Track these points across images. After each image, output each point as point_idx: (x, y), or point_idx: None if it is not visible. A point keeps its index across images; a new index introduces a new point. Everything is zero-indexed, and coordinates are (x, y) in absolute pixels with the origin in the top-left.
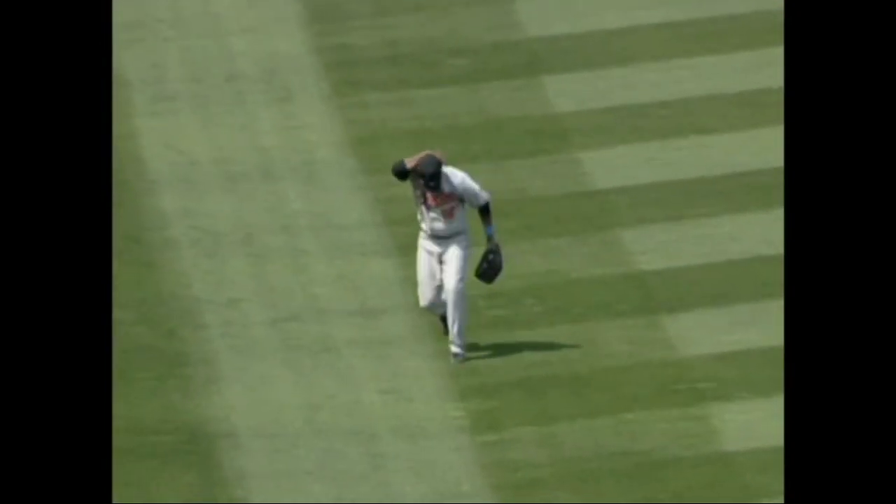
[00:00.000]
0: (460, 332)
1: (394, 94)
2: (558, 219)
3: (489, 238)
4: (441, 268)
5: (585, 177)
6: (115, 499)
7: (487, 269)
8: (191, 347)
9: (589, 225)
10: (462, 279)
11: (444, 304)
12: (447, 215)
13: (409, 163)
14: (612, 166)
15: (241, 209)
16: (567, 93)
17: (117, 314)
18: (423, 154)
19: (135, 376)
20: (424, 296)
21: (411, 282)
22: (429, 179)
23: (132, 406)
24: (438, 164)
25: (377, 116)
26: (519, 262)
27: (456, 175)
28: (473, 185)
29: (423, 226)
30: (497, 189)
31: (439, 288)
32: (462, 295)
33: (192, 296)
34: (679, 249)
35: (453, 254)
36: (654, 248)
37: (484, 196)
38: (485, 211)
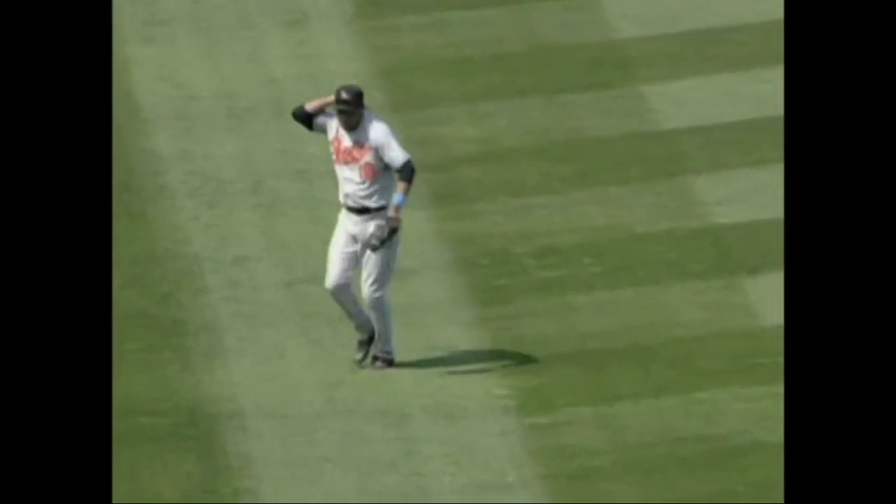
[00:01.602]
0: (386, 341)
1: (428, 17)
2: (620, 163)
3: (395, 208)
4: (356, 252)
5: (651, 114)
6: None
7: (379, 238)
8: (190, 314)
9: (655, 171)
10: (379, 287)
11: (350, 293)
12: (364, 175)
13: (311, 105)
14: (682, 102)
15: (248, 152)
16: (630, 15)
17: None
18: (329, 98)
19: (125, 348)
20: (330, 277)
21: (447, 236)
22: (343, 101)
23: (122, 382)
24: (359, 93)
25: (409, 43)
26: (574, 214)
27: (376, 125)
28: (392, 140)
29: (339, 193)
30: (548, 128)
31: (349, 273)
32: (378, 305)
33: (191, 253)
34: (761, 200)
35: (370, 256)
36: (732, 197)
37: (402, 156)
38: (404, 176)
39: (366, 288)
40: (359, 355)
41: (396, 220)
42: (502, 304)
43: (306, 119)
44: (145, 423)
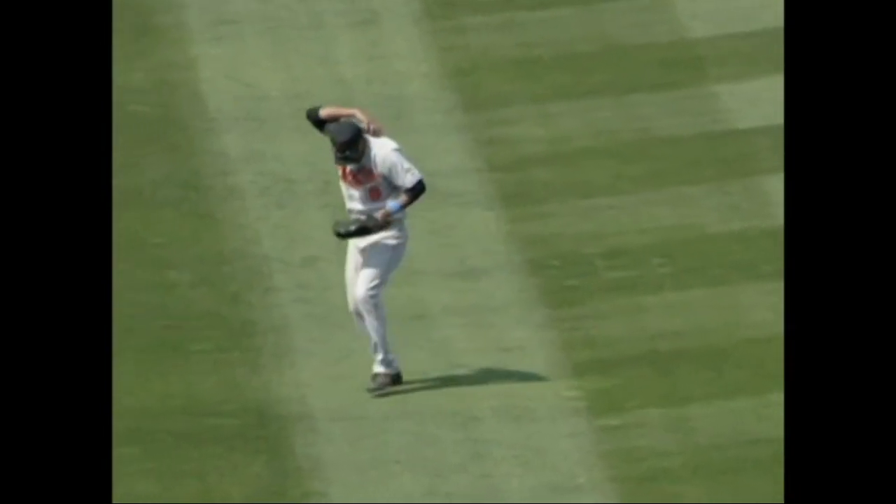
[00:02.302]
0: (379, 348)
1: (497, 17)
2: (690, 164)
3: (386, 212)
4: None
5: (722, 114)
6: (171, 490)
7: (348, 227)
8: (259, 314)
9: (727, 171)
10: (373, 287)
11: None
12: (371, 197)
13: (326, 112)
14: (753, 101)
15: (317, 152)
16: (700, 15)
17: (172, 275)
18: (347, 111)
19: (192, 348)
20: (351, 299)
21: (518, 237)
22: (339, 149)
23: (190, 383)
24: (355, 132)
25: (478, 43)
26: (644, 214)
27: (382, 147)
28: (400, 162)
29: (347, 209)
30: (619, 129)
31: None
32: (373, 305)
33: (260, 254)
34: None
35: (372, 254)
36: None
37: (411, 178)
38: (410, 191)
39: (361, 286)
40: (373, 385)
41: (375, 221)
42: (572, 306)
43: (317, 124)
44: (214, 424)
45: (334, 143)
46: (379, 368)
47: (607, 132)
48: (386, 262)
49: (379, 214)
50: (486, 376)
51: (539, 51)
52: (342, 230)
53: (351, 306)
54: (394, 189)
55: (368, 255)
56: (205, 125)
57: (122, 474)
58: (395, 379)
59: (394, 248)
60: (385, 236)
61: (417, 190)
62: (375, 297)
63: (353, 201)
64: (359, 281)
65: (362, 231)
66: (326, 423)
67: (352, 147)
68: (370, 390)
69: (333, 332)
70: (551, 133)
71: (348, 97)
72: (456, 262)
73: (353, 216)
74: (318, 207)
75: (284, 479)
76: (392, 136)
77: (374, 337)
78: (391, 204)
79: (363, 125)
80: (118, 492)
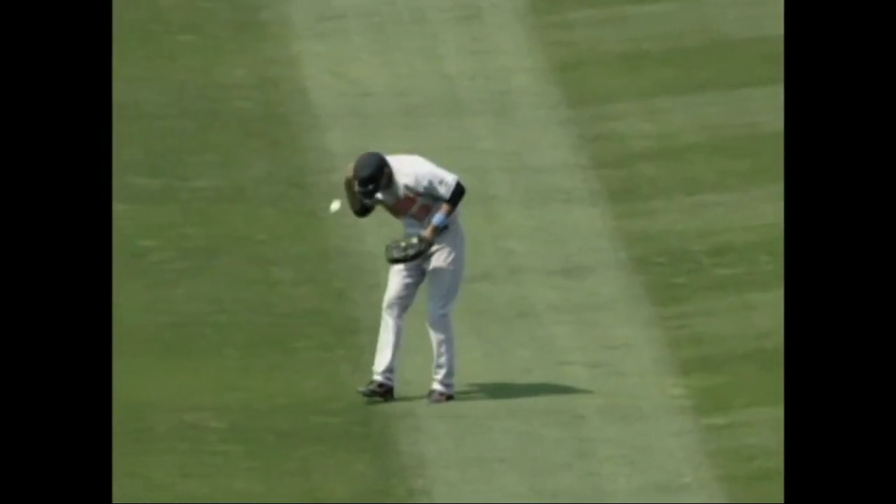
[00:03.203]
0: (448, 373)
1: (603, 11)
2: None
3: (433, 228)
4: (418, 279)
5: None
6: (274, 489)
7: (404, 252)
8: (362, 312)
9: None
10: (444, 304)
11: (397, 328)
12: (420, 215)
13: (348, 171)
14: None
15: (421, 149)
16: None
17: (275, 272)
18: (362, 154)
19: (296, 345)
20: (387, 296)
21: (623, 234)
22: (363, 184)
23: (293, 381)
24: (377, 165)
25: (584, 38)
26: (751, 211)
27: (412, 166)
28: (433, 174)
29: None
30: (726, 124)
31: (406, 306)
32: (444, 322)
33: (363, 251)
34: None
35: (433, 278)
36: None
37: (445, 189)
38: (451, 199)
39: (431, 305)
40: (363, 388)
41: (428, 241)
42: (678, 303)
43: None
44: (318, 422)
45: (358, 180)
46: (438, 387)
47: (714, 127)
48: (449, 281)
49: (427, 233)
50: (592, 374)
51: (646, 45)
52: (396, 255)
53: (386, 302)
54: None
55: (430, 278)
56: (308, 122)
57: (225, 472)
58: (450, 398)
59: (452, 262)
60: (440, 255)
61: (457, 195)
62: (446, 317)
63: (410, 228)
64: (429, 303)
65: (416, 256)
66: (430, 420)
67: (374, 181)
68: (429, 398)
69: None
70: (657, 128)
71: (452, 93)
72: (561, 259)
73: (404, 238)
74: None
75: (388, 478)
76: (496, 133)
77: (443, 357)
78: (436, 219)
79: (381, 155)
80: (219, 489)
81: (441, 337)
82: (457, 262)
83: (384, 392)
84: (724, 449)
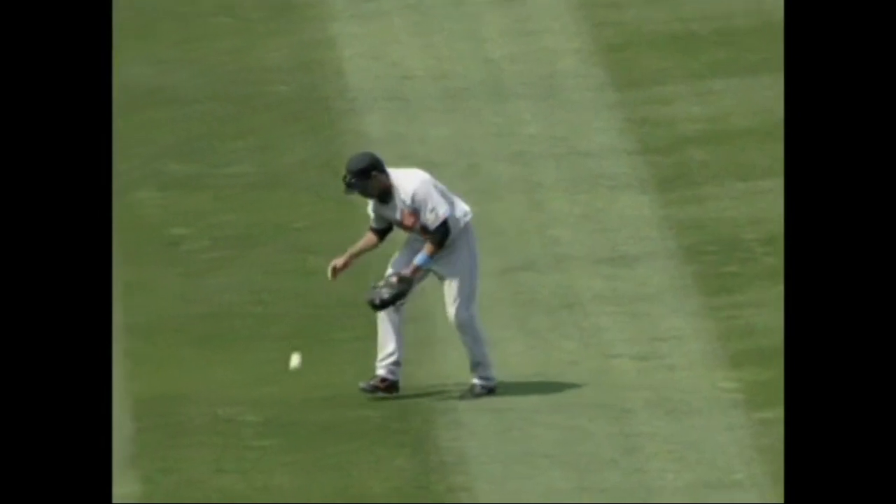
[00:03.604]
0: (486, 367)
1: None
2: None
3: (415, 268)
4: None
5: None
6: (311, 484)
7: (382, 297)
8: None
9: None
10: (465, 307)
11: (394, 331)
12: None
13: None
14: None
15: (463, 133)
16: None
17: (312, 261)
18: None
19: (335, 337)
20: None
21: (673, 222)
22: (348, 178)
23: (332, 373)
24: (368, 165)
25: (632, 18)
26: None
27: (413, 181)
28: (428, 198)
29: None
30: (778, 108)
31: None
32: (469, 324)
33: (402, 241)
34: None
35: (454, 273)
36: None
37: (433, 218)
38: (434, 238)
39: (452, 311)
40: (364, 384)
41: (409, 280)
42: (730, 293)
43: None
44: (355, 416)
45: (346, 172)
46: (478, 381)
47: (767, 111)
48: (468, 283)
49: (408, 272)
50: (639, 367)
51: (695, 26)
52: (377, 300)
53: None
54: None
55: (447, 282)
56: (346, 106)
57: (260, 467)
58: (492, 391)
59: (468, 263)
60: (454, 258)
61: (441, 234)
62: (470, 319)
63: (413, 241)
64: (452, 307)
65: (397, 297)
66: (472, 415)
67: (358, 177)
68: (464, 396)
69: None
70: (708, 112)
71: (495, 76)
72: (608, 247)
73: (384, 280)
74: (464, 192)
75: (428, 474)
76: (541, 117)
77: (476, 356)
78: (419, 259)
79: (384, 167)
80: (254, 484)
81: (470, 337)
82: (472, 262)
83: (387, 387)
84: (777, 444)
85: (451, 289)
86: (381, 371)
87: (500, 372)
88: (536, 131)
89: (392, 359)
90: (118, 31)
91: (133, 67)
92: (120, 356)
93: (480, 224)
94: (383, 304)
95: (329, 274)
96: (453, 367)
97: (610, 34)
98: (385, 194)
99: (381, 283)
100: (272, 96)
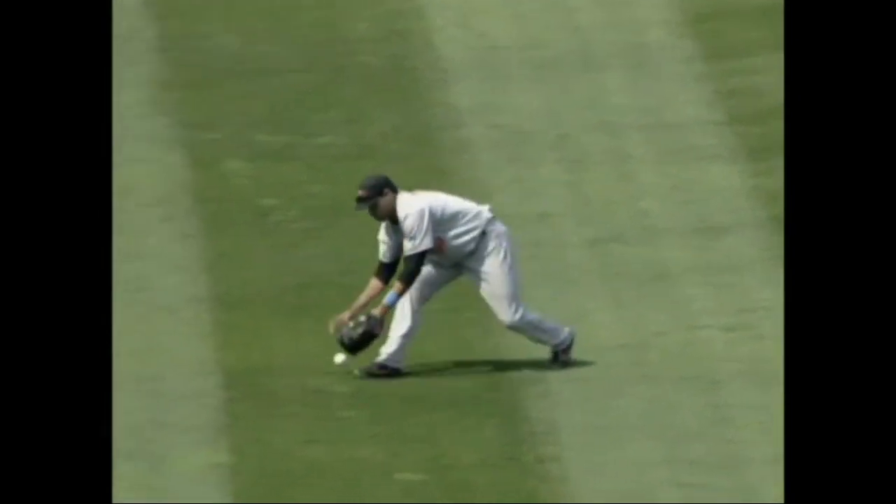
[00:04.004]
0: (557, 339)
1: None
2: None
3: (384, 307)
4: (451, 274)
5: None
6: (399, 455)
7: (351, 335)
8: None
9: None
10: (517, 309)
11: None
12: (437, 250)
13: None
14: None
15: (552, 104)
16: None
17: None
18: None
19: (427, 308)
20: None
21: (762, 192)
22: (360, 193)
23: (420, 345)
24: (380, 180)
25: None
26: None
27: (410, 206)
28: (414, 225)
29: None
30: None
31: (426, 297)
32: (523, 323)
33: (493, 210)
34: None
35: (490, 274)
36: None
37: (411, 245)
38: (402, 275)
39: (501, 312)
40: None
41: (378, 320)
42: None
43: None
44: (444, 387)
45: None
46: (558, 350)
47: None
48: (509, 282)
49: (377, 312)
50: (728, 339)
51: None
52: (346, 341)
53: (407, 296)
54: (451, 220)
55: (485, 285)
56: (435, 76)
57: (348, 438)
58: (569, 347)
59: (503, 262)
60: (489, 260)
61: (411, 265)
62: (523, 317)
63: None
64: (499, 311)
65: (367, 337)
66: (561, 385)
67: (370, 191)
68: (555, 361)
69: (568, 291)
70: None
71: (584, 46)
72: (697, 219)
73: (355, 321)
74: (553, 162)
75: (517, 444)
76: (630, 88)
77: (546, 338)
78: (388, 298)
79: (396, 189)
80: (343, 455)
81: (527, 332)
82: (505, 264)
83: (386, 374)
84: None
85: (487, 295)
86: (380, 359)
87: (589, 343)
88: (625, 102)
89: (392, 354)
90: (208, 2)
91: (223, 38)
92: (210, 327)
93: (570, 195)
94: (353, 346)
95: (331, 328)
96: None
97: (698, 4)
98: (394, 217)
99: (353, 323)
100: (361, 67)
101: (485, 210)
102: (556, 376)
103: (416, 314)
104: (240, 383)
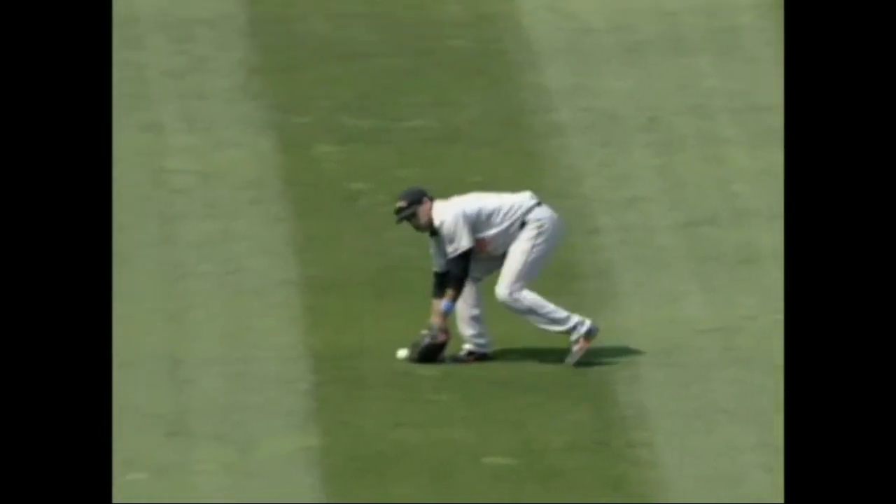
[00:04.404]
0: (557, 330)
1: None
2: None
3: (442, 315)
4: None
5: None
6: (487, 438)
7: (412, 350)
8: (582, 256)
9: None
10: (509, 286)
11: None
12: (482, 250)
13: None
14: None
15: (643, 87)
16: None
17: None
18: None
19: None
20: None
21: None
22: (399, 204)
23: (509, 328)
24: (412, 200)
25: None
26: None
27: (446, 213)
28: (452, 230)
29: None
30: None
31: (476, 277)
32: (509, 304)
33: (583, 194)
34: None
35: (511, 252)
36: None
37: (451, 248)
38: (448, 281)
39: (500, 290)
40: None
41: (438, 327)
42: None
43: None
44: (533, 370)
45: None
46: (571, 340)
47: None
48: (518, 264)
49: (436, 321)
50: None
51: None
52: (417, 356)
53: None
54: (488, 222)
55: (505, 259)
56: (526, 59)
57: (438, 421)
58: (590, 335)
59: (529, 248)
60: (519, 241)
61: (455, 268)
62: (517, 301)
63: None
64: (498, 283)
65: (434, 348)
66: (650, 370)
67: (409, 200)
68: (571, 363)
69: (658, 276)
70: None
71: (674, 30)
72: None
73: (418, 337)
74: (644, 146)
75: (607, 428)
76: (722, 71)
77: (546, 329)
78: (443, 305)
79: (428, 198)
80: (432, 438)
81: (522, 314)
82: (531, 251)
83: (475, 360)
84: None
85: (504, 270)
86: (467, 345)
87: (679, 326)
88: (716, 85)
89: (472, 333)
90: None
91: (313, 22)
92: (300, 310)
93: (661, 178)
94: (423, 359)
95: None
96: (635, 321)
97: None
98: (433, 226)
99: (418, 337)
100: (451, 50)
101: (525, 198)
102: (646, 360)
103: (475, 296)
104: (328, 366)
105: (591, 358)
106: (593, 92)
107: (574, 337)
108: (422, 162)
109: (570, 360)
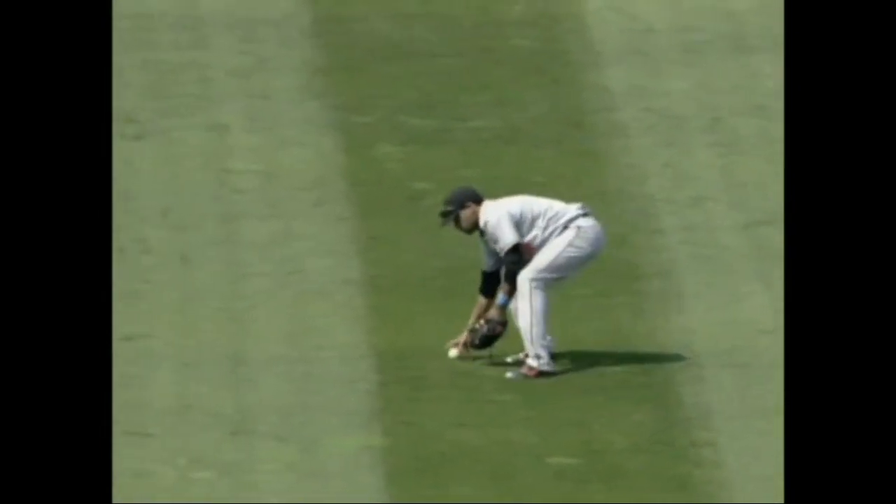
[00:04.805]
0: (532, 341)
1: None
2: None
3: (499, 309)
4: None
5: None
6: (549, 439)
7: (472, 341)
8: (644, 257)
9: None
10: (533, 277)
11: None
12: (530, 254)
13: None
14: None
15: (706, 87)
16: None
17: None
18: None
19: (573, 293)
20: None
21: None
22: (444, 207)
23: (571, 329)
24: (459, 201)
25: None
26: None
27: (493, 213)
28: (497, 228)
29: None
30: None
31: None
32: (529, 289)
33: (645, 194)
34: None
35: (545, 245)
36: None
37: (500, 246)
38: (505, 275)
39: (524, 270)
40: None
41: (496, 320)
42: None
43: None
44: (596, 371)
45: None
46: (530, 361)
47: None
48: (542, 256)
49: (494, 313)
50: None
51: None
52: (476, 341)
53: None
54: (533, 220)
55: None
56: (588, 59)
57: (499, 422)
58: (541, 374)
59: (557, 249)
60: (556, 238)
61: (510, 263)
62: (531, 291)
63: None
64: (527, 265)
65: (488, 339)
66: (714, 370)
67: (453, 204)
68: (508, 376)
69: (722, 276)
70: None
71: (738, 30)
72: None
73: (479, 324)
74: (706, 146)
75: (670, 428)
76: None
77: (521, 324)
78: (499, 299)
79: (481, 200)
80: (493, 438)
81: (516, 308)
82: (565, 249)
83: (536, 376)
84: None
85: (538, 257)
86: (530, 360)
87: (742, 327)
88: (778, 86)
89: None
90: None
91: (376, 22)
92: (363, 310)
93: (723, 178)
94: (479, 348)
95: (451, 353)
96: (698, 321)
97: None
98: (476, 228)
99: (477, 325)
100: (513, 50)
101: (573, 208)
102: (709, 361)
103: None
104: (390, 366)
105: (653, 358)
106: (655, 92)
107: (533, 363)
108: (484, 162)
109: (512, 374)
